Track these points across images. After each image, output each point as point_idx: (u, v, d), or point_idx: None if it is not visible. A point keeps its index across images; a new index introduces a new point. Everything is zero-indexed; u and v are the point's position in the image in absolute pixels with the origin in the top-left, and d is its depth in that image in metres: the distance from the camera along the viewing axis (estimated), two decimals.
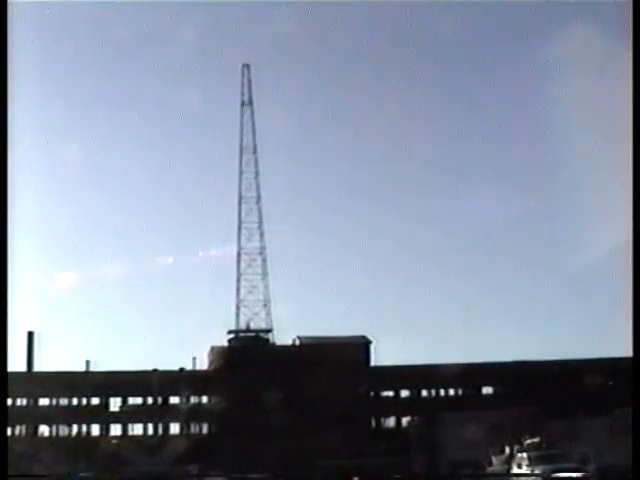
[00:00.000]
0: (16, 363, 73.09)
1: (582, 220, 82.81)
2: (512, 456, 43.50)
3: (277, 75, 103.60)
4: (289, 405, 69.03)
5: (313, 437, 67.11)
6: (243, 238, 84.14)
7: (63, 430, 78.31)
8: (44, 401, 78.33)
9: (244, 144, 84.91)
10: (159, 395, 78.09)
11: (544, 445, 43.00)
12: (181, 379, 76.36)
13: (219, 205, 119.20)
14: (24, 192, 70.25)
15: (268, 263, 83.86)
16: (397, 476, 46.61)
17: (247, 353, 77.76)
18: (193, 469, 56.72)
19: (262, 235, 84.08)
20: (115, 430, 78.76)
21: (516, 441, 45.25)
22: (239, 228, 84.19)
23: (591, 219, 78.68)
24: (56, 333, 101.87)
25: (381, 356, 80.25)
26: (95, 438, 77.00)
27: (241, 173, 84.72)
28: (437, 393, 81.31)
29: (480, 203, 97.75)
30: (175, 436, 76.23)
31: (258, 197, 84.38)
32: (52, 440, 74.27)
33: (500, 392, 79.32)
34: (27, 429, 75.89)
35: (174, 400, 78.64)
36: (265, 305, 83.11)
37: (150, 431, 78.39)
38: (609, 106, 67.24)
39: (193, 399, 78.99)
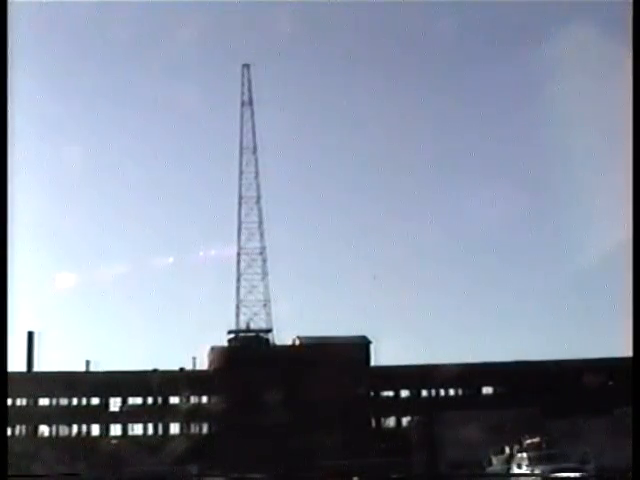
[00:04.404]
0: (16, 363, 73.21)
1: (582, 220, 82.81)
2: (512, 456, 43.49)
3: (277, 75, 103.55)
4: (289, 405, 69.03)
5: (313, 437, 67.13)
6: (243, 238, 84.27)
7: (63, 430, 78.30)
8: (44, 401, 78.32)
9: (244, 144, 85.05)
10: (159, 395, 78.11)
11: (544, 445, 42.99)
12: (181, 379, 76.37)
13: (219, 205, 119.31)
14: (24, 192, 70.39)
15: (268, 263, 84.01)
16: (397, 476, 46.63)
17: (247, 353, 77.78)
18: (193, 469, 56.73)
19: (262, 235, 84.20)
20: (115, 430, 78.80)
21: (516, 441, 45.22)
22: (239, 228, 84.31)
23: (591, 219, 78.73)
24: (56, 333, 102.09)
25: (381, 356, 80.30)
26: (95, 438, 76.99)
27: (241, 173, 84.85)
28: (437, 393, 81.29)
29: (480, 203, 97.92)
30: (175, 436, 76.21)
31: (258, 197, 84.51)
32: (52, 440, 74.27)
33: (500, 392, 79.34)
34: (27, 429, 75.88)
35: (174, 400, 78.63)
36: (265, 305, 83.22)
37: (150, 431, 78.42)
38: (609, 106, 67.27)
39: (193, 399, 78.97)
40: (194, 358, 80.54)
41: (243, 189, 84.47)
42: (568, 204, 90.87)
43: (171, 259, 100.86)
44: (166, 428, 78.14)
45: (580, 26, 76.61)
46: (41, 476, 45.13)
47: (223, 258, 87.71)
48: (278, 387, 69.54)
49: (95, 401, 78.98)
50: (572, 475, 30.94)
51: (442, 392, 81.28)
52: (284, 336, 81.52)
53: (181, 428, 78.75)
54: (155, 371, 75.95)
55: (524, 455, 40.50)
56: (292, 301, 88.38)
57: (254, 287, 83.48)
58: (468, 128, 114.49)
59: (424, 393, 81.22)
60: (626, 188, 17.51)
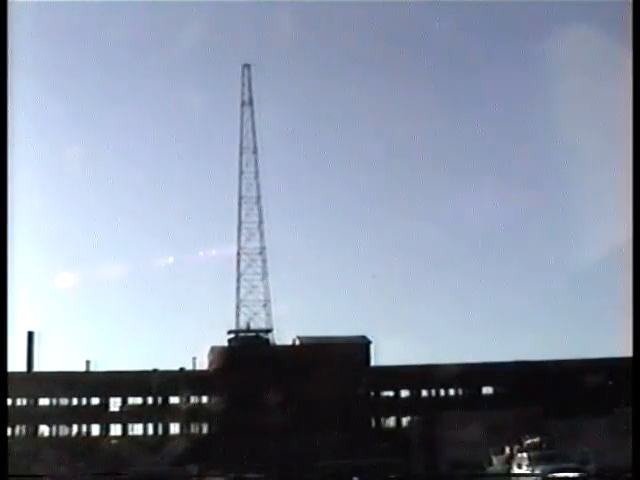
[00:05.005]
0: (16, 363, 73.19)
1: (582, 220, 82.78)
2: (512, 456, 43.51)
3: (277, 75, 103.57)
4: (289, 405, 69.03)
5: (313, 437, 67.13)
6: (243, 238, 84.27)
7: (63, 430, 78.29)
8: (44, 401, 78.33)
9: (244, 144, 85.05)
10: (159, 395, 78.10)
11: (544, 445, 43.02)
12: (181, 379, 76.35)
13: (219, 205, 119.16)
14: (24, 192, 70.37)
15: (268, 263, 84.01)
16: (397, 476, 46.64)
17: (247, 353, 77.77)
18: (193, 469, 56.72)
19: (262, 235, 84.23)
20: (115, 430, 78.79)
21: (516, 441, 45.24)
22: (239, 228, 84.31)
23: (591, 219, 78.64)
24: (56, 333, 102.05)
25: (381, 356, 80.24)
26: (95, 438, 76.99)
27: (241, 173, 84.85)
28: (437, 393, 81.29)
29: (480, 203, 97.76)
30: (175, 436, 76.19)
31: (258, 197, 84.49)
32: (52, 440, 74.24)
33: (500, 392, 79.31)
34: (27, 429, 75.87)
35: (174, 400, 78.63)
36: (265, 305, 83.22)
37: (150, 431, 78.41)
38: (609, 106, 67.28)
39: (193, 399, 78.96)
40: (194, 358, 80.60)
41: (243, 189, 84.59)
42: (568, 204, 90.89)
43: (171, 259, 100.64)
44: (166, 428, 78.11)
45: (580, 26, 76.64)
46: (41, 476, 45.16)
47: (223, 258, 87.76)
48: (278, 387, 69.50)
49: (95, 401, 78.99)
50: (572, 475, 30.95)
51: (442, 392, 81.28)
52: (284, 336, 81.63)
53: (181, 428, 78.70)
54: (155, 371, 75.94)
55: (524, 455, 40.51)
56: (292, 301, 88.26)
57: (254, 287, 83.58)
58: (468, 128, 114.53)
59: (424, 393, 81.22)
60: (626, 188, 17.52)
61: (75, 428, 78.79)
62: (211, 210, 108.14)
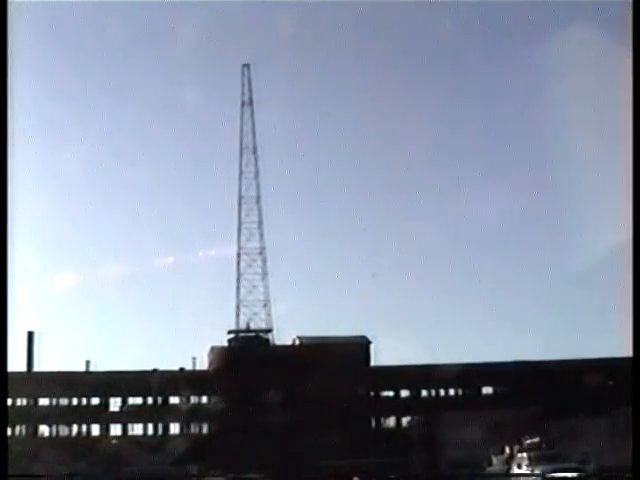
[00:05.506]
0: (16, 363, 73.18)
1: (582, 220, 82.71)
2: (512, 456, 43.49)
3: (277, 75, 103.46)
4: (289, 405, 69.03)
5: (313, 437, 67.15)
6: (243, 238, 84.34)
7: (63, 430, 78.32)
8: (44, 401, 78.35)
9: (244, 144, 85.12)
10: (159, 395, 78.12)
11: (544, 445, 43.00)
12: (181, 379, 76.39)
13: (219, 205, 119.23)
14: (25, 192, 70.37)
15: (268, 263, 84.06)
16: (397, 476, 46.64)
17: (247, 353, 77.79)
18: (193, 469, 56.74)
19: (262, 235, 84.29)
20: (115, 430, 78.81)
21: (516, 441, 45.23)
22: (239, 228, 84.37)
23: (591, 219, 78.59)
24: (56, 333, 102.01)
25: (381, 356, 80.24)
26: (95, 438, 76.99)
27: (241, 173, 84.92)
28: (437, 393, 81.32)
29: (480, 203, 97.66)
30: (175, 436, 76.25)
31: (258, 197, 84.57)
32: (52, 440, 74.27)
33: (500, 392, 79.36)
34: (27, 429, 75.89)
35: (174, 400, 78.65)
36: (265, 305, 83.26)
37: (150, 431, 78.43)
38: (609, 106, 67.23)
39: (193, 399, 78.99)
40: (194, 358, 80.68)
41: (243, 189, 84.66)
42: (568, 204, 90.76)
43: (171, 259, 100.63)
44: (166, 428, 78.16)
45: (580, 26, 76.58)
46: (41, 476, 45.18)
47: (223, 258, 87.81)
48: (278, 387, 69.48)
49: (95, 401, 79.00)
50: (572, 475, 30.93)
51: (442, 392, 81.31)
52: (284, 336, 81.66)
53: (181, 428, 78.77)
54: (155, 371, 75.97)
55: (524, 455, 40.48)
56: (292, 301, 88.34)
57: (254, 287, 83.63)
58: (468, 127, 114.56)
59: (424, 393, 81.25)
60: (626, 188, 17.52)
61: (75, 428, 78.84)
62: (211, 210, 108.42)
